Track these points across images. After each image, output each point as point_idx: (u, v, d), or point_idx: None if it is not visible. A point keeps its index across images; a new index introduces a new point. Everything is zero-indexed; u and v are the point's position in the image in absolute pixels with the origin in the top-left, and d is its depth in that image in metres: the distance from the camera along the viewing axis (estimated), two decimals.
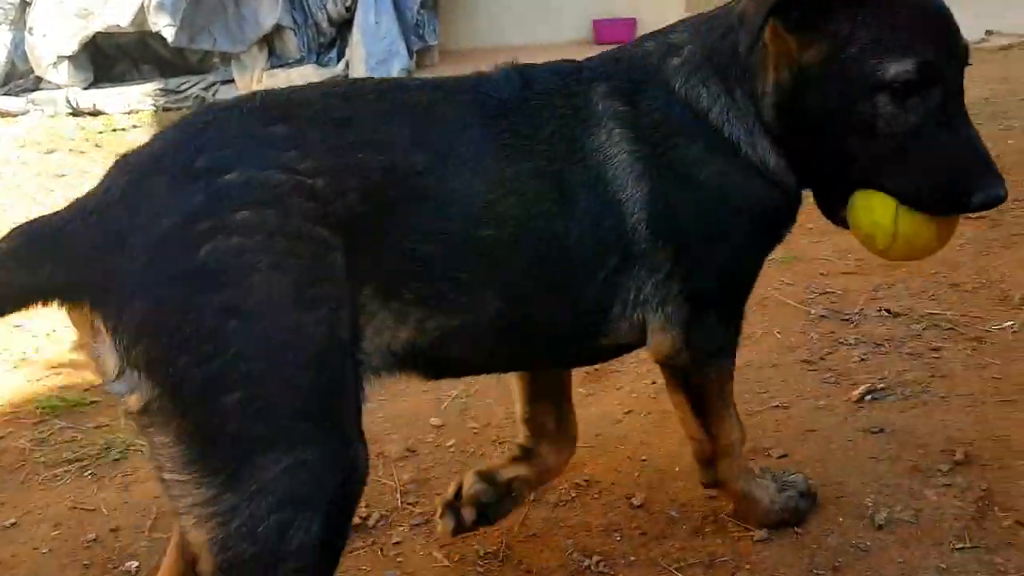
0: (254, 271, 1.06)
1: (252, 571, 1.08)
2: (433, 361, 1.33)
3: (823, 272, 2.73)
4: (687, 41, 1.43)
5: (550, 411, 1.64)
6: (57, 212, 1.13)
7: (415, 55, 6.62)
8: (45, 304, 1.09)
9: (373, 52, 6.19)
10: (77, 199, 1.15)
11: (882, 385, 2.02)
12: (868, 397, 1.99)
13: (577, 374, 1.81)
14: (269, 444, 1.07)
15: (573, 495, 1.76)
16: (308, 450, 1.09)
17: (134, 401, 1.07)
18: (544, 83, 1.39)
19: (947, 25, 1.34)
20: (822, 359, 2.21)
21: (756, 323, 2.40)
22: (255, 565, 1.08)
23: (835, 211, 1.43)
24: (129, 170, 1.14)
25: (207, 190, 1.08)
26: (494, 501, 1.59)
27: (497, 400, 2.12)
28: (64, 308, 1.10)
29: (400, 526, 1.72)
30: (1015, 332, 2.24)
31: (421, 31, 6.56)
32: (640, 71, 1.42)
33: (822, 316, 2.44)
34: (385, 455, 1.93)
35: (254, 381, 1.06)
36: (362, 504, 1.71)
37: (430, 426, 2.05)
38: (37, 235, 1.10)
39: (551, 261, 1.32)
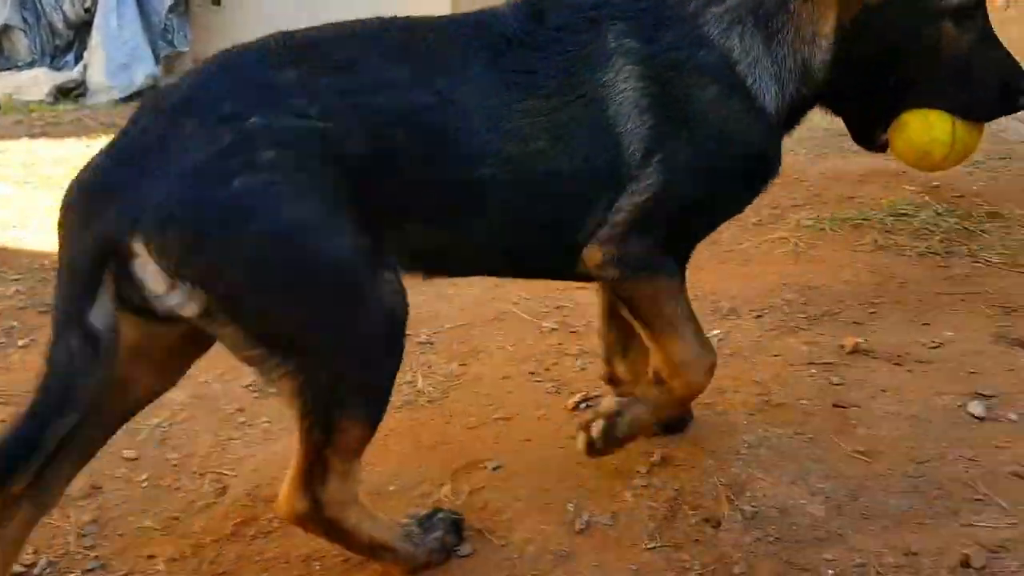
0: (282, 201, 1.23)
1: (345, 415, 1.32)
2: (432, 265, 1.48)
3: (560, 287, 2.80)
4: None
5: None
6: (98, 157, 1.28)
7: (163, 61, 6.20)
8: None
9: (114, 56, 5.74)
10: (113, 141, 1.29)
11: (597, 393, 2.08)
12: (583, 405, 2.04)
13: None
14: (301, 330, 1.29)
15: (275, 525, 1.63)
16: (356, 321, 1.31)
17: (192, 309, 1.23)
18: (557, 18, 1.44)
19: None
20: (547, 370, 2.25)
21: (492, 338, 2.42)
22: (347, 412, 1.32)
23: (874, 137, 1.59)
24: (160, 111, 1.28)
25: (233, 133, 1.22)
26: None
27: (205, 428, 1.95)
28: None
29: (71, 573, 1.52)
30: (720, 339, 2.39)
31: (170, 36, 6.14)
32: (672, 10, 1.47)
33: (553, 329, 2.49)
34: (64, 493, 1.70)
35: (296, 290, 1.26)
36: (29, 549, 1.50)
37: (121, 459, 1.84)
38: (88, 186, 1.26)
39: (546, 197, 1.42)
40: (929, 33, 1.47)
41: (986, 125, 1.58)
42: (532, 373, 2.23)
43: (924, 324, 2.39)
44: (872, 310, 2.49)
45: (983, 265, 2.74)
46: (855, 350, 2.25)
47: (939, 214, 3.12)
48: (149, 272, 1.20)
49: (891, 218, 3.13)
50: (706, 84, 1.44)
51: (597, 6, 1.46)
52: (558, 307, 2.62)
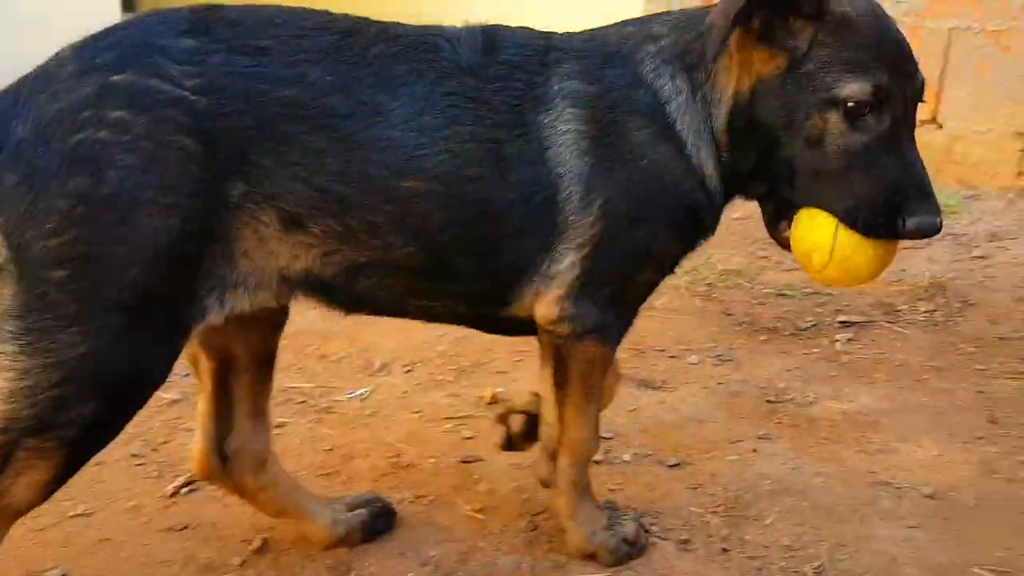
0: (111, 166, 1.14)
1: (24, 434, 1.16)
2: (334, 292, 1.36)
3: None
4: (666, 34, 1.47)
5: None
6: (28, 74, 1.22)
7: None
8: None
9: None
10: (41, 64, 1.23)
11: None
12: (184, 490, 1.79)
13: None
14: (73, 323, 1.14)
15: None
16: (103, 340, 1.16)
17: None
18: (508, 53, 1.40)
19: (905, 55, 1.39)
20: (154, 450, 1.98)
21: None
22: (27, 427, 1.16)
23: (776, 228, 1.48)
24: (58, 55, 1.22)
25: (96, 84, 1.16)
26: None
27: None
28: None
29: None
30: (364, 399, 2.26)
31: None
32: (614, 49, 1.45)
33: (175, 401, 2.21)
34: None
35: (81, 264, 1.14)
36: None
37: None
38: None
39: (474, 222, 1.35)
40: (815, 122, 1.36)
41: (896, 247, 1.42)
42: (135, 456, 1.95)
43: None
44: (518, 358, 2.49)
45: None
46: (494, 400, 2.22)
47: None
48: None
49: None
50: (639, 124, 1.42)
51: (547, 47, 1.44)
52: (186, 375, 2.35)
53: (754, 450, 1.99)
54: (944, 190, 4.16)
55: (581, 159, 1.38)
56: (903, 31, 1.42)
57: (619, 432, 2.07)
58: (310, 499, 1.61)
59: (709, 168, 1.45)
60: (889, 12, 1.43)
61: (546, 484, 1.60)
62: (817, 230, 1.39)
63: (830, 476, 1.88)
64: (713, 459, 1.96)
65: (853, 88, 1.33)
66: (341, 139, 1.27)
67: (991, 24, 3.95)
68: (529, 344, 2.58)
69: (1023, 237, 3.50)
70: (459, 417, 2.15)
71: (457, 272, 1.40)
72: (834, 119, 1.35)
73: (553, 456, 1.56)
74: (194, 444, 1.54)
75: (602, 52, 1.45)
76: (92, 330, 1.15)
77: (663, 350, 2.58)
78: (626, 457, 1.97)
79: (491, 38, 1.42)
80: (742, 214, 4.08)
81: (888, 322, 2.81)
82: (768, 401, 2.25)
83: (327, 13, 1.37)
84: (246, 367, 1.51)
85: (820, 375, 2.41)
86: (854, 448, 2.00)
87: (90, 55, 1.20)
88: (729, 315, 2.88)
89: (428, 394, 2.29)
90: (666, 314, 2.86)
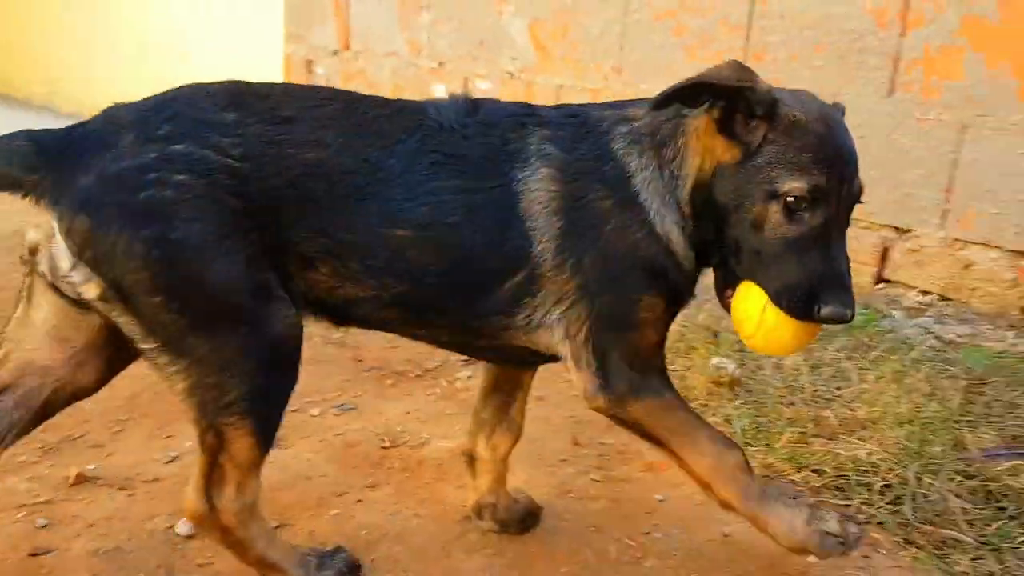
0: (177, 218, 1.38)
1: (215, 415, 1.46)
2: (340, 316, 1.60)
3: None
4: (641, 116, 1.61)
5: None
6: (57, 129, 1.46)
7: None
8: (14, 189, 1.39)
9: None
10: (74, 124, 1.46)
11: None
12: None
13: None
14: (189, 330, 1.42)
15: None
16: (216, 338, 1.43)
17: (92, 288, 1.41)
18: (489, 115, 1.59)
19: (847, 161, 1.50)
20: None
21: None
22: (214, 410, 1.45)
23: (722, 293, 1.61)
24: (114, 117, 1.45)
25: (159, 152, 1.39)
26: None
27: None
28: (29, 200, 1.40)
29: None
30: None
31: None
32: (590, 127, 1.59)
33: None
34: None
35: (171, 290, 1.40)
36: None
37: None
38: (38, 137, 1.43)
39: (454, 264, 1.52)
40: (759, 210, 1.49)
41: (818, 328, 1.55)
42: None
43: (168, 436, 2.30)
44: (119, 428, 2.31)
45: None
46: (80, 480, 2.03)
47: None
48: (59, 248, 1.40)
49: None
50: (605, 193, 1.54)
51: (528, 114, 1.61)
52: None
53: (359, 500, 2.02)
54: None
55: (552, 218, 1.53)
56: None
57: None
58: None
59: (675, 235, 1.57)
60: None
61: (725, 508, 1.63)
62: (750, 302, 1.53)
63: (427, 516, 1.95)
64: (316, 516, 1.95)
65: (793, 185, 1.46)
66: (348, 194, 1.48)
67: (590, 83, 4.46)
68: (133, 407, 2.41)
69: None
70: (36, 503, 1.93)
71: (445, 310, 1.58)
72: (774, 210, 1.48)
73: (706, 487, 1.61)
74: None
75: (579, 126, 1.60)
76: (203, 333, 1.42)
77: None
78: None
79: (474, 104, 1.61)
80: None
81: None
82: (382, 447, 2.30)
83: (328, 88, 1.63)
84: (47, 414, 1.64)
85: (436, 414, 2.52)
86: (456, 484, 2.11)
87: (153, 127, 1.42)
88: (360, 361, 2.92)
89: (4, 480, 2.03)
90: None
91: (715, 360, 2.89)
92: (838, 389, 2.64)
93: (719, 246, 1.57)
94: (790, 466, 2.24)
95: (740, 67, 1.51)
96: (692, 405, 2.63)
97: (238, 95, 1.50)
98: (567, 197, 1.54)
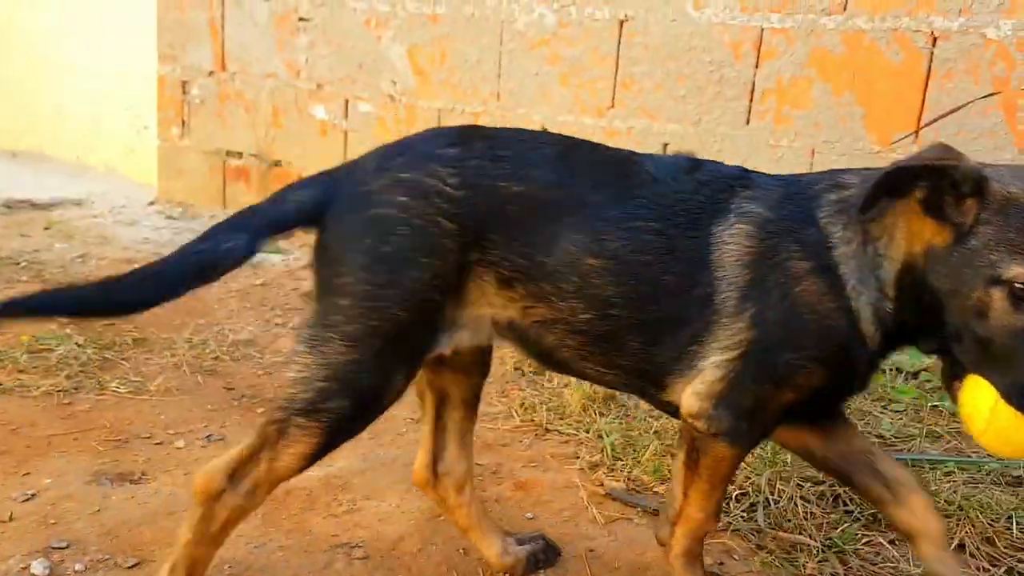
0: (393, 234, 1.54)
1: (296, 413, 1.54)
2: (528, 343, 1.65)
3: None
4: (852, 185, 1.56)
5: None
6: (339, 166, 1.71)
7: None
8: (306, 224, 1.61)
9: None
10: (349, 161, 1.70)
11: None
12: None
13: None
14: (345, 338, 1.52)
15: None
16: (363, 355, 1.53)
17: (307, 286, 1.64)
18: (706, 174, 1.62)
19: None
20: None
21: None
22: (300, 408, 1.54)
23: (950, 385, 1.51)
24: (374, 151, 1.67)
25: (390, 179, 1.57)
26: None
27: None
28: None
29: None
30: None
31: None
32: (798, 190, 1.59)
33: None
34: None
35: (361, 298, 1.53)
36: None
37: None
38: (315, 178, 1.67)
39: (640, 299, 1.56)
40: (980, 296, 1.37)
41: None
42: None
43: (25, 474, 2.19)
44: None
45: (109, 396, 2.69)
46: None
47: (80, 346, 3.00)
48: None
49: (28, 356, 2.89)
50: (802, 256, 1.51)
51: (741, 176, 1.62)
52: None
53: None
54: None
55: (742, 269, 1.53)
56: None
57: (76, 540, 1.91)
58: (492, 527, 1.95)
59: (867, 314, 1.51)
60: None
61: (662, 544, 1.73)
62: (980, 397, 1.41)
63: (292, 548, 1.93)
64: None
65: (1017, 270, 1.34)
66: (550, 222, 1.57)
67: (470, 107, 4.54)
68: None
69: None
70: None
71: (624, 346, 1.59)
72: (998, 297, 1.36)
73: (673, 523, 1.69)
74: (417, 460, 1.94)
75: (788, 190, 1.59)
76: (357, 346, 1.52)
77: (149, 437, 2.46)
78: (78, 567, 1.81)
79: (695, 163, 1.65)
80: (263, 281, 4.12)
81: None
82: None
83: (559, 135, 1.72)
84: (456, 405, 1.88)
85: None
86: (323, 514, 2.09)
87: (388, 159, 1.61)
88: (230, 390, 2.85)
89: None
90: (160, 396, 2.74)
91: None
92: None
93: (936, 333, 1.48)
94: (654, 479, 2.33)
95: (945, 147, 1.48)
96: (568, 421, 2.76)
97: (465, 135, 1.66)
98: (761, 253, 1.52)
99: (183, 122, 5.70)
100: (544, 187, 1.59)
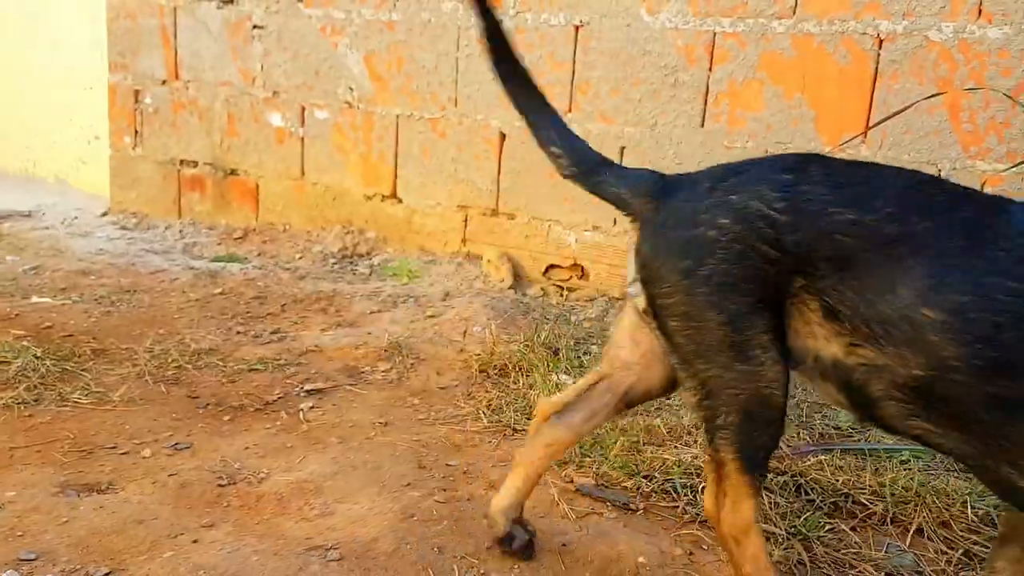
0: (711, 256, 1.53)
1: (707, 432, 1.62)
2: (851, 386, 1.52)
3: None
4: None
5: None
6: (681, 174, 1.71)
7: None
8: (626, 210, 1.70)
9: None
10: (677, 175, 1.72)
11: None
12: None
13: None
14: (696, 356, 1.58)
15: None
16: (717, 369, 1.56)
17: (641, 302, 1.66)
18: None
19: None
20: None
21: None
22: (705, 428, 1.62)
23: None
24: (709, 169, 1.67)
25: (717, 199, 1.56)
26: None
27: None
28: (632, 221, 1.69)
29: None
30: None
31: None
32: None
33: None
34: None
35: (686, 319, 1.57)
36: None
37: None
38: (661, 176, 1.71)
39: (984, 366, 1.35)
40: None
41: None
42: None
43: None
44: None
45: (70, 408, 2.65)
46: None
47: (38, 358, 2.95)
48: (631, 260, 1.68)
49: None
50: None
51: None
52: None
53: (195, 541, 1.96)
54: (409, 257, 4.66)
55: None
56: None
57: (45, 551, 1.88)
58: (526, 491, 2.03)
59: None
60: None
61: None
62: None
63: (266, 552, 1.92)
64: (149, 559, 1.88)
65: None
66: (884, 258, 1.44)
67: (428, 113, 4.56)
68: None
69: (467, 295, 4.06)
70: None
71: (960, 414, 1.40)
72: None
73: None
74: (553, 396, 2.00)
75: None
76: (706, 361, 1.56)
77: (114, 447, 2.43)
78: None
79: None
80: (221, 290, 4.09)
81: (350, 385, 3.02)
82: (219, 485, 2.24)
83: (897, 167, 1.58)
84: (619, 395, 1.87)
85: (277, 448, 2.49)
86: (296, 518, 2.09)
87: (722, 179, 1.59)
88: (195, 398, 2.83)
89: None
90: (124, 406, 2.70)
91: (556, 377, 3.02)
92: (668, 399, 2.81)
93: None
94: (623, 474, 2.37)
95: None
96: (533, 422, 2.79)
97: (803, 162, 1.60)
98: None
99: (136, 132, 5.62)
100: (884, 218, 1.45)
